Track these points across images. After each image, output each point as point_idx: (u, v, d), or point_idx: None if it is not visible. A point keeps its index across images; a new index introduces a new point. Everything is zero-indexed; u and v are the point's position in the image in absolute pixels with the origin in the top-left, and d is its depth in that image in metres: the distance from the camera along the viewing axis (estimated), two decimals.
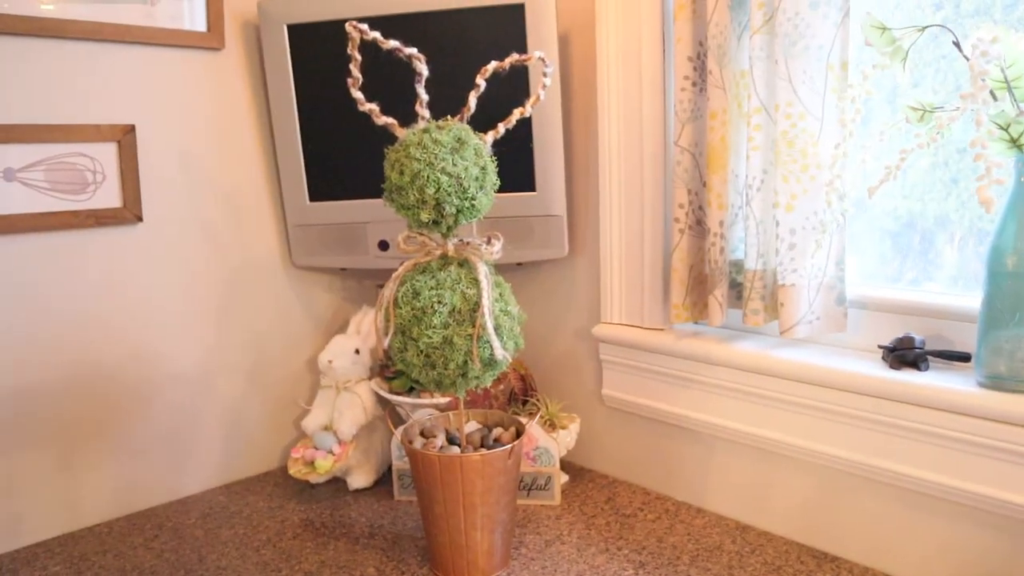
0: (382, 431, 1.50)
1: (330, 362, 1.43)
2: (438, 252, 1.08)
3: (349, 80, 1.02)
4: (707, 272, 1.28)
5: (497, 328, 1.05)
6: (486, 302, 1.03)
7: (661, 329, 1.35)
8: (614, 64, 1.32)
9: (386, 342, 1.06)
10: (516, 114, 1.06)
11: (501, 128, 1.06)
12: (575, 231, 1.46)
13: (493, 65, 1.04)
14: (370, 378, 1.48)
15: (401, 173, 1.01)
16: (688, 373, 1.30)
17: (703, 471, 1.33)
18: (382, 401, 1.46)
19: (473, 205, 1.03)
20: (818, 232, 1.14)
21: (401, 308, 1.05)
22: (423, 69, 1.01)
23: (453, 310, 1.04)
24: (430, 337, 1.03)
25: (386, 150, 1.06)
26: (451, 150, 1.01)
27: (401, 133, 1.04)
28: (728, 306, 1.24)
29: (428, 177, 1.00)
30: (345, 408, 1.43)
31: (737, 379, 1.24)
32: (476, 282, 1.05)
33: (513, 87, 1.23)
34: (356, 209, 1.44)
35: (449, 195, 1.01)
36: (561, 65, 1.39)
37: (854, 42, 1.12)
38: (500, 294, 1.07)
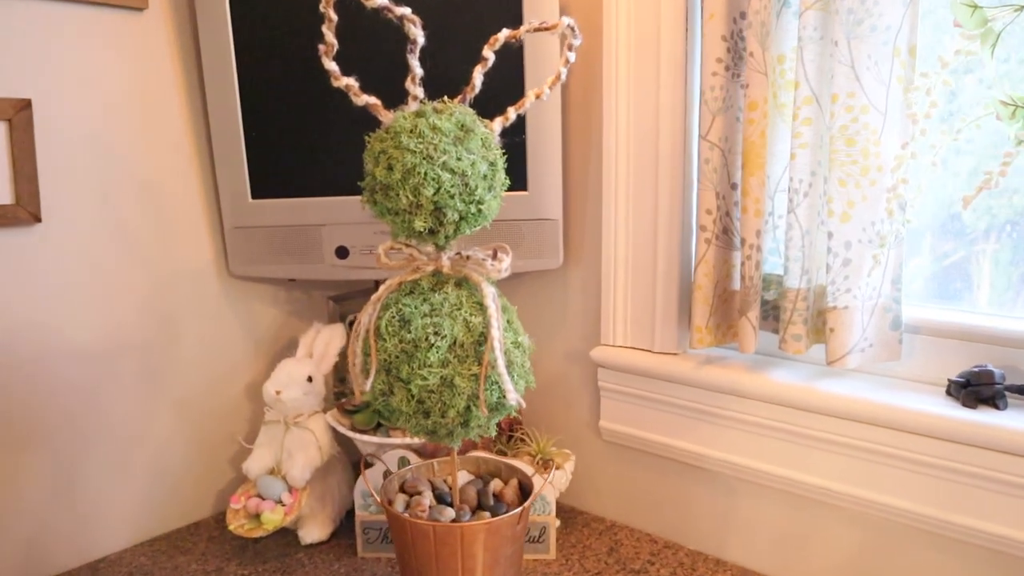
0: (339, 471, 1.26)
1: (278, 393, 1.18)
2: (429, 268, 0.86)
3: (321, 47, 0.79)
4: (737, 290, 1.09)
5: (509, 365, 0.83)
6: (496, 333, 0.81)
7: (675, 354, 1.16)
8: (624, 42, 1.12)
9: (367, 384, 0.83)
10: (531, 96, 0.85)
11: (512, 113, 0.85)
12: (571, 238, 1.26)
13: (504, 34, 0.82)
14: (325, 410, 1.24)
15: (390, 168, 0.79)
16: (709, 405, 1.12)
17: (724, 517, 1.15)
18: (340, 436, 1.23)
19: (480, 210, 0.81)
20: (876, 246, 0.97)
21: (386, 340, 0.83)
22: (418, 35, 0.79)
23: (454, 343, 0.82)
24: (425, 378, 0.81)
25: (367, 138, 0.83)
26: (454, 140, 0.79)
27: (387, 117, 0.81)
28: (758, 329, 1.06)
29: (426, 174, 0.77)
30: (296, 448, 1.19)
31: (771, 414, 1.06)
32: (481, 308, 0.83)
33: (500, 69, 1.01)
34: (309, 209, 1.20)
35: (452, 197, 0.79)
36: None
37: (924, 25, 0.95)
38: (508, 321, 0.86)
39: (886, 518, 0.99)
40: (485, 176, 0.81)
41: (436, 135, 0.78)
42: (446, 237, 0.83)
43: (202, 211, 1.24)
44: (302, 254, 1.22)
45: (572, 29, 0.81)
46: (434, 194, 0.78)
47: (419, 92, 0.82)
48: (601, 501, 1.29)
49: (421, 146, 0.78)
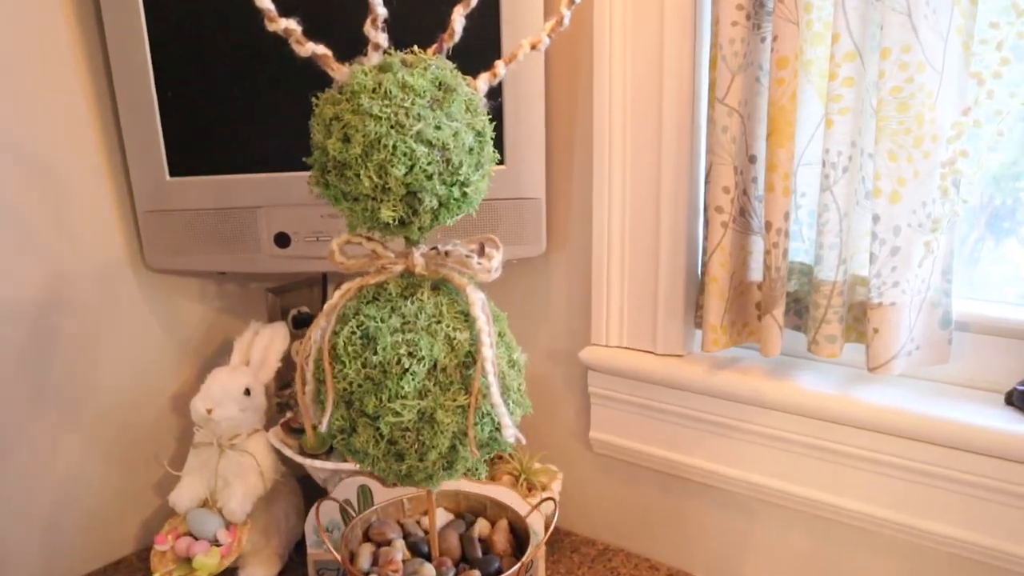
0: (285, 497, 1.07)
1: (209, 412, 0.98)
2: (398, 268, 0.67)
3: None
4: (755, 281, 0.93)
5: (504, 391, 0.66)
6: (488, 353, 0.63)
7: (679, 356, 1.00)
8: (619, 8, 0.93)
9: (323, 424, 0.65)
10: (525, 46, 0.66)
11: (501, 68, 0.66)
12: (554, 220, 1.08)
13: None
14: (267, 427, 1.05)
15: (346, 140, 0.59)
16: (723, 416, 0.96)
17: (739, 542, 1.00)
18: (286, 458, 1.04)
19: (465, 194, 0.63)
20: (927, 231, 0.82)
21: (345, 365, 0.64)
22: None
23: (434, 367, 0.63)
24: (398, 414, 0.63)
25: (315, 101, 0.63)
26: (431, 102, 0.60)
27: (341, 72, 0.62)
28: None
29: (395, 147, 0.58)
30: (233, 475, 1.00)
31: (798, 427, 0.91)
32: (467, 319, 0.65)
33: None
34: (241, 188, 0.99)
35: (429, 178, 0.60)
36: None
37: None
38: (500, 333, 0.68)
39: (934, 547, 0.86)
40: (471, 149, 0.62)
41: (408, 96, 0.59)
42: (420, 229, 0.64)
43: (108, 192, 1.02)
44: (233, 242, 1.01)
45: None
46: (406, 174, 0.59)
47: (382, 39, 0.62)
48: (592, 521, 1.13)
49: (388, 111, 0.58)
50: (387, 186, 0.59)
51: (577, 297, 1.07)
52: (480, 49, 0.88)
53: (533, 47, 0.66)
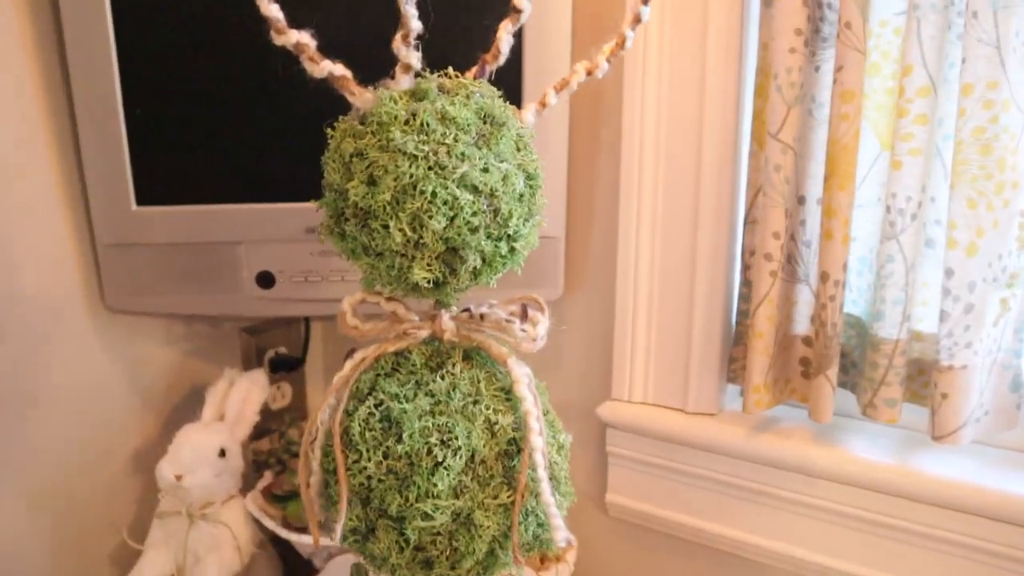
0: (265, 570, 0.94)
1: (179, 479, 0.85)
2: (423, 333, 0.56)
3: None
4: (799, 334, 0.84)
5: (554, 484, 0.54)
6: (538, 441, 0.52)
7: (711, 414, 0.90)
8: (655, 4, 0.83)
9: (337, 532, 0.53)
10: (580, 72, 0.56)
11: (552, 97, 0.55)
12: (572, 260, 0.97)
13: None
14: (244, 493, 0.92)
15: (372, 183, 0.48)
16: (763, 483, 0.86)
17: None
18: (265, 526, 0.91)
19: (513, 250, 0.52)
20: (1002, 286, 0.74)
21: (363, 455, 0.52)
22: None
23: (472, 459, 0.52)
24: (429, 516, 0.51)
25: (330, 131, 0.52)
26: (477, 138, 0.49)
27: (365, 98, 0.51)
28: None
29: (435, 194, 0.47)
30: (206, 549, 0.87)
31: (850, 498, 0.81)
32: (508, 398, 0.54)
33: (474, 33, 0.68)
34: (220, 220, 0.87)
35: (474, 231, 0.49)
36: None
37: None
38: (544, 412, 0.57)
39: None
40: (521, 196, 0.51)
41: (449, 130, 0.48)
42: (455, 291, 0.53)
43: (64, 222, 0.89)
44: (209, 282, 0.89)
45: None
46: (446, 227, 0.48)
47: (414, 59, 0.51)
48: None
49: (426, 148, 0.47)
50: (422, 241, 0.48)
51: (597, 346, 0.96)
52: (499, 71, 0.78)
53: (589, 73, 0.56)
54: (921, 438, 0.81)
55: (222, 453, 0.88)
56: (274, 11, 0.48)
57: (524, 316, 0.57)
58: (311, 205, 0.85)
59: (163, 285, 0.89)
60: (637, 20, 0.55)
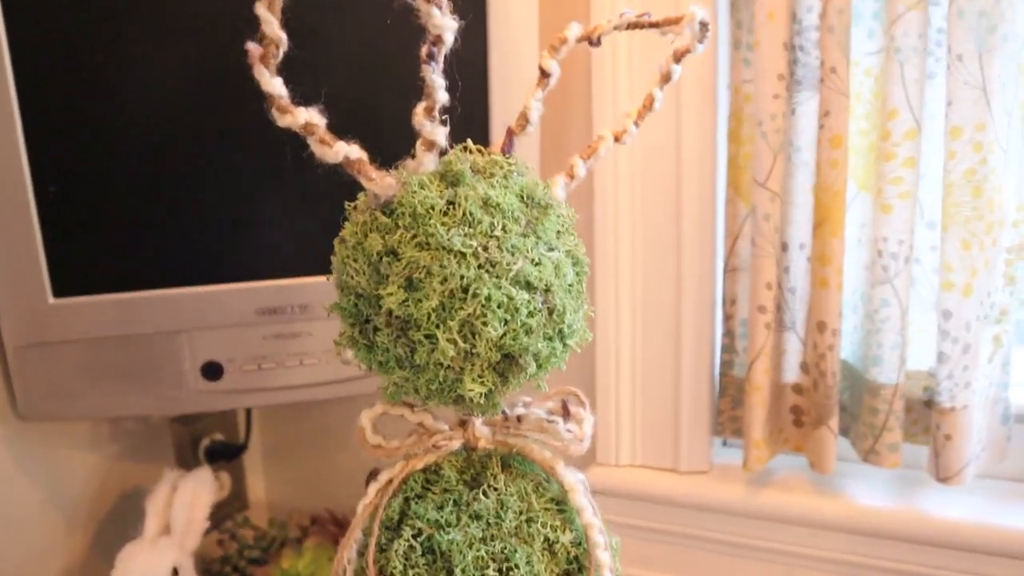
0: None
1: None
2: (455, 444, 0.49)
3: (253, 49, 0.39)
4: (789, 383, 0.82)
5: None
6: (605, 558, 0.46)
7: (703, 472, 0.86)
8: (625, 39, 0.80)
9: None
10: (607, 139, 0.50)
11: (580, 168, 0.50)
12: None
13: (575, 33, 0.47)
14: None
15: (412, 288, 0.41)
16: (764, 539, 0.83)
17: None
18: None
19: (566, 347, 0.46)
20: (992, 322, 0.74)
21: None
22: (444, 25, 0.41)
23: None
24: None
25: (346, 219, 0.45)
26: (526, 226, 0.43)
27: (387, 184, 0.43)
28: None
29: (490, 297, 0.41)
30: None
31: (856, 547, 0.79)
32: (562, 510, 0.48)
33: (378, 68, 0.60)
34: (156, 308, 0.75)
35: (529, 333, 0.42)
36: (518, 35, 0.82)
37: None
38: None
39: None
40: (571, 286, 0.45)
41: (496, 219, 0.42)
42: (495, 404, 0.46)
43: None
44: (146, 379, 0.77)
45: (705, 27, 0.47)
46: (504, 334, 0.41)
47: (440, 135, 0.44)
48: None
49: (474, 242, 0.41)
50: (475, 351, 0.41)
51: None
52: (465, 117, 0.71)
53: (617, 139, 0.51)
54: (920, 477, 0.81)
55: (174, 572, 0.77)
56: (277, 87, 0.40)
57: (566, 413, 0.51)
58: (262, 284, 0.78)
59: (88, 386, 0.76)
60: (666, 79, 0.50)
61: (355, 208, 0.46)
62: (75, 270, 0.74)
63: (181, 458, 0.96)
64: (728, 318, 0.84)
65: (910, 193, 0.72)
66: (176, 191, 0.74)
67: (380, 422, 0.50)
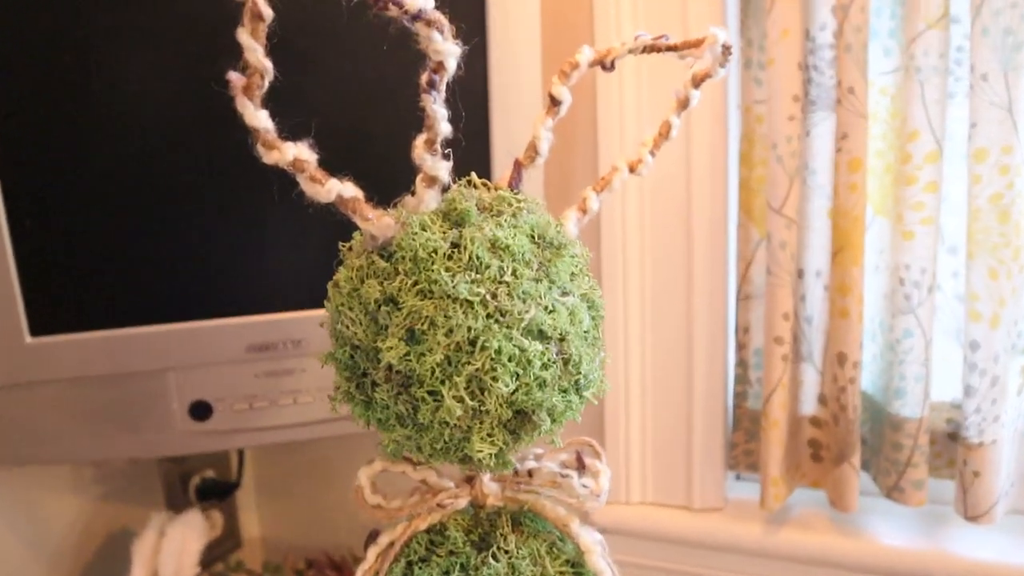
0: None
1: None
2: (461, 501, 0.45)
3: (235, 80, 0.35)
4: (806, 415, 0.78)
5: None
6: None
7: (718, 509, 0.82)
8: (632, 63, 0.77)
9: None
10: (622, 169, 0.47)
11: (593, 202, 0.46)
12: None
13: (588, 56, 0.43)
14: None
15: (414, 340, 0.37)
16: None
17: None
18: None
19: (582, 399, 0.42)
20: (1020, 353, 0.71)
21: None
22: (447, 51, 0.38)
23: None
24: None
25: (341, 265, 0.41)
26: (538, 269, 0.39)
27: (384, 224, 0.39)
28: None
29: (500, 350, 0.37)
30: None
31: None
32: (580, 573, 0.44)
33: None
34: (141, 345, 0.72)
35: (543, 387, 0.39)
36: (524, 57, 0.78)
37: None
38: None
39: None
40: (587, 333, 0.41)
41: (506, 263, 0.38)
42: (506, 462, 0.42)
43: None
44: (130, 420, 0.73)
45: (727, 51, 0.44)
46: (516, 389, 0.37)
47: (443, 170, 0.40)
48: None
49: (481, 290, 0.37)
50: (484, 408, 0.38)
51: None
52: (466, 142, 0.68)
53: (632, 170, 0.47)
54: (946, 513, 0.77)
55: None
56: (263, 120, 0.36)
57: (581, 466, 0.47)
58: (252, 319, 0.74)
59: (68, 429, 0.72)
60: (684, 105, 0.47)
61: (350, 249, 0.42)
62: (53, 306, 0.70)
63: (171, 497, 0.92)
64: (741, 347, 0.81)
65: (932, 219, 0.69)
66: (161, 220, 0.71)
67: (380, 478, 0.46)
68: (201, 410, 0.74)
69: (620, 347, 0.81)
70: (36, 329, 0.70)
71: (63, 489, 0.82)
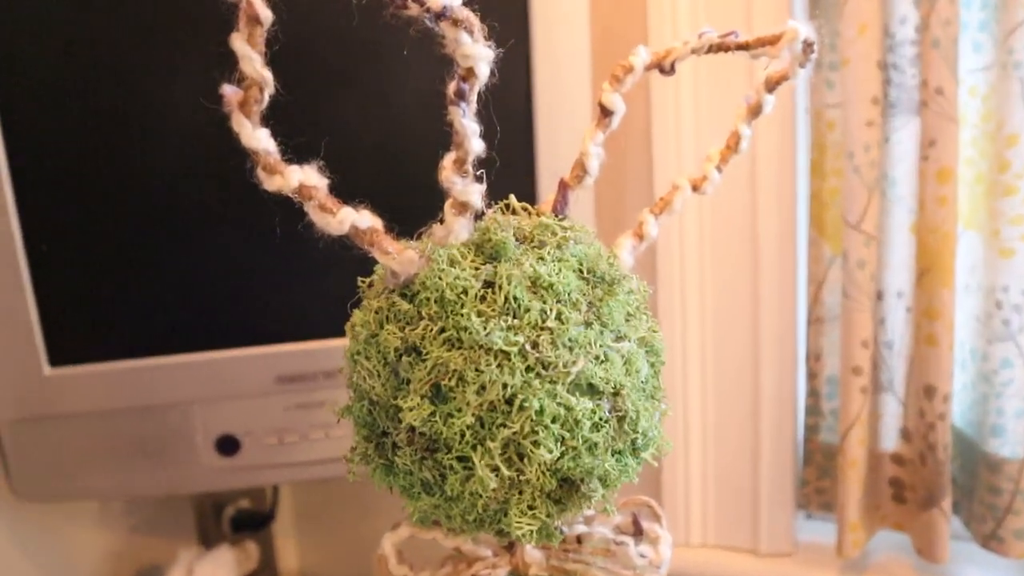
0: None
1: None
2: (500, 572, 0.39)
3: (230, 94, 0.30)
4: (888, 451, 0.70)
5: None
6: None
7: (788, 554, 0.75)
8: (690, 66, 0.70)
9: None
10: (684, 187, 0.41)
11: (652, 227, 0.40)
12: None
13: (643, 59, 0.37)
14: None
15: (440, 399, 0.32)
16: None
17: None
18: None
19: (639, 460, 0.36)
20: None
21: None
22: (477, 55, 0.32)
23: None
24: None
25: (355, 313, 0.36)
26: (588, 311, 0.33)
27: (407, 259, 0.34)
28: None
29: (542, 411, 0.31)
30: None
31: None
32: None
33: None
34: (164, 376, 0.68)
35: (593, 450, 0.32)
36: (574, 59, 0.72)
37: None
38: None
39: None
40: (645, 383, 0.35)
41: (548, 304, 0.32)
42: (550, 533, 0.36)
43: None
44: (154, 455, 0.69)
45: (810, 47, 0.37)
46: (562, 455, 0.31)
47: (475, 195, 0.35)
48: None
49: (519, 338, 0.31)
50: (523, 478, 0.32)
51: (641, 481, 0.80)
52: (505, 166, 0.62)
53: (696, 189, 0.41)
54: None
55: None
56: (262, 141, 0.31)
57: (638, 531, 0.40)
58: (282, 348, 0.69)
59: (90, 465, 0.69)
60: (756, 112, 0.40)
61: (370, 286, 0.36)
62: (73, 337, 0.66)
63: (203, 529, 0.88)
64: (812, 376, 0.73)
65: None
66: (185, 245, 0.66)
67: (406, 545, 0.40)
68: (228, 445, 0.70)
69: (679, 375, 0.74)
70: (55, 360, 0.66)
71: (91, 522, 0.79)
